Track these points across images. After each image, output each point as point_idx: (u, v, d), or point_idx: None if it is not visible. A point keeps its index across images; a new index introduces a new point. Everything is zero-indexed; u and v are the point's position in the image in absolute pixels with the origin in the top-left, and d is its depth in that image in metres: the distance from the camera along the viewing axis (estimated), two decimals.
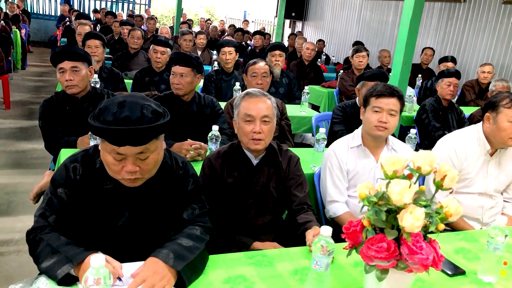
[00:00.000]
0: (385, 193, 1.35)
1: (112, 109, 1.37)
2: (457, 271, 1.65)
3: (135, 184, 1.48)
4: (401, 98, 2.25)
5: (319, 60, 8.08)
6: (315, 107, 5.95)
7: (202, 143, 2.57)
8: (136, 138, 1.36)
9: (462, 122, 4.27)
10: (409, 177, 1.39)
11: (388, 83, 3.77)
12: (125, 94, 1.49)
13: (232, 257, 1.62)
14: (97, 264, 1.08)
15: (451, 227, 2.41)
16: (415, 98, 5.40)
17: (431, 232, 1.39)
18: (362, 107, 2.34)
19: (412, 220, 1.27)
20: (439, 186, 1.39)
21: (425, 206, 1.34)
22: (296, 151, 3.07)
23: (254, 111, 1.98)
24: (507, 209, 2.51)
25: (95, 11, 12.37)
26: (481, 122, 2.46)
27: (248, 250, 1.82)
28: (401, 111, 2.28)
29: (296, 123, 4.13)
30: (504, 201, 2.53)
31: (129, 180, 1.45)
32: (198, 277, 1.46)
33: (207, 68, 6.04)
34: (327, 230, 1.37)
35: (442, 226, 1.35)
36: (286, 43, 10.38)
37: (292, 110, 4.25)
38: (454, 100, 4.74)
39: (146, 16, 11.05)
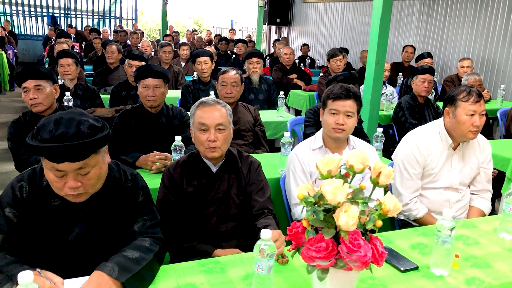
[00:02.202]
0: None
1: (48, 127, 1.39)
2: (410, 267, 1.66)
3: (79, 199, 1.50)
4: (357, 98, 2.27)
5: (302, 64, 8.13)
6: (298, 112, 5.98)
7: (168, 154, 2.59)
8: (73, 154, 1.38)
9: (439, 118, 4.29)
10: (346, 176, 1.41)
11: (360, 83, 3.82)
12: (65, 111, 1.50)
13: (184, 266, 1.63)
14: (24, 280, 1.09)
15: (419, 223, 2.43)
16: (396, 97, 5.44)
17: (372, 231, 1.40)
18: (321, 109, 2.36)
19: (346, 218, 1.28)
20: (375, 183, 1.40)
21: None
22: (268, 156, 3.12)
23: (208, 120, 2.00)
24: (475, 201, 2.52)
25: (70, 26, 12.42)
26: (442, 117, 2.48)
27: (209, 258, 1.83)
28: (358, 111, 2.29)
29: (274, 128, 4.15)
30: (471, 193, 2.54)
31: (73, 196, 1.47)
32: None
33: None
34: (266, 234, 1.38)
35: (379, 223, 1.36)
36: (272, 50, 10.45)
37: (269, 115, 4.29)
38: (432, 96, 4.77)
39: (132, 30, 11.11)
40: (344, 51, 7.11)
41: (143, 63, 4.30)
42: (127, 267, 1.44)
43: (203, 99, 2.10)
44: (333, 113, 2.25)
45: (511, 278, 1.63)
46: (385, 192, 1.88)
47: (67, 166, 1.40)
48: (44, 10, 14.51)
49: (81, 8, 15.18)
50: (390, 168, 1.38)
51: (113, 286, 1.38)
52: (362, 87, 4.42)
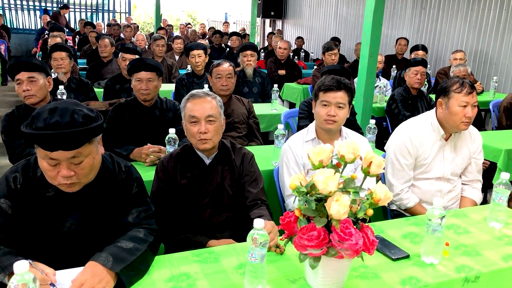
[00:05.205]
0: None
1: (43, 116, 1.40)
2: (401, 255, 1.69)
3: (72, 189, 1.51)
4: (349, 90, 2.28)
5: (296, 57, 8.13)
6: (293, 104, 6.00)
7: (162, 147, 2.60)
8: (67, 142, 1.39)
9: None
10: (337, 166, 1.43)
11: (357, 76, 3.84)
12: (60, 101, 1.52)
13: (178, 256, 1.65)
14: (20, 270, 1.11)
15: (411, 213, 2.45)
16: (390, 89, 5.46)
17: (363, 220, 1.42)
18: (313, 101, 2.37)
19: (337, 207, 1.30)
20: (366, 173, 1.42)
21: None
22: (262, 148, 3.14)
23: (198, 112, 2.01)
24: (466, 192, 2.56)
25: (65, 6, 12.34)
26: (434, 108, 2.51)
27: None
28: (350, 102, 2.31)
29: (268, 121, 4.16)
30: (462, 184, 2.57)
31: (66, 185, 1.48)
32: (141, 278, 1.49)
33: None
34: (259, 223, 1.40)
35: (370, 212, 1.38)
36: (266, 43, 10.44)
37: (263, 108, 4.30)
38: (425, 89, 4.80)
39: (126, 24, 11.05)
40: (337, 41, 7.14)
41: (137, 56, 4.28)
42: (121, 257, 1.46)
43: (193, 91, 2.11)
44: (325, 105, 2.27)
45: (500, 266, 1.66)
46: (377, 182, 1.90)
47: (60, 155, 1.41)
48: (37, 3, 14.39)
49: (74, 1, 15.06)
50: (381, 158, 1.40)
51: (107, 276, 1.40)
52: (355, 79, 4.44)
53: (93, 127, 1.44)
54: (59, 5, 13.99)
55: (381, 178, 2.56)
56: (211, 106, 2.03)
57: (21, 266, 1.11)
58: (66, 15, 12.61)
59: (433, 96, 4.50)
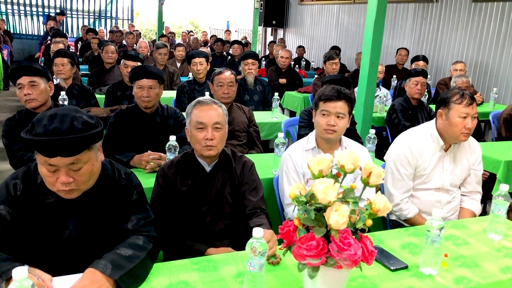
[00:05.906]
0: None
1: (43, 122, 1.42)
2: (399, 266, 1.69)
3: (71, 196, 1.51)
4: (349, 100, 2.29)
5: (297, 66, 8.16)
6: (293, 113, 6.01)
7: (162, 154, 2.61)
8: (66, 149, 1.40)
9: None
10: (337, 175, 1.44)
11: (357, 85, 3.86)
12: (60, 107, 1.53)
13: (177, 264, 1.65)
14: (19, 276, 1.11)
15: (410, 223, 2.45)
16: (390, 99, 5.48)
17: (362, 230, 1.42)
18: (313, 110, 2.38)
19: (336, 217, 1.31)
20: (365, 183, 1.42)
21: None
22: (262, 156, 3.14)
23: (206, 119, 2.02)
24: (465, 203, 2.56)
25: (61, 13, 12.40)
26: (434, 119, 2.51)
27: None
28: (350, 112, 2.32)
29: (268, 129, 4.17)
30: (461, 195, 2.57)
31: (64, 192, 1.48)
32: (139, 285, 1.49)
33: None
34: (258, 232, 1.40)
35: (369, 222, 1.38)
36: (267, 51, 10.47)
37: (263, 116, 4.31)
38: (425, 99, 4.81)
39: (128, 31, 11.10)
40: (337, 50, 7.16)
41: (139, 63, 4.31)
42: (120, 264, 1.46)
43: (200, 98, 2.13)
44: (324, 114, 2.28)
45: (499, 278, 1.66)
46: (377, 192, 1.90)
47: (59, 161, 1.42)
48: (40, 9, 14.46)
49: (77, 8, 15.13)
50: (381, 169, 1.41)
51: (106, 283, 1.40)
52: (356, 89, 4.46)
53: (92, 133, 1.45)
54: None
55: (380, 188, 2.57)
56: (217, 113, 2.05)
57: (20, 273, 1.11)
58: (69, 21, 12.66)
59: (433, 107, 4.53)
